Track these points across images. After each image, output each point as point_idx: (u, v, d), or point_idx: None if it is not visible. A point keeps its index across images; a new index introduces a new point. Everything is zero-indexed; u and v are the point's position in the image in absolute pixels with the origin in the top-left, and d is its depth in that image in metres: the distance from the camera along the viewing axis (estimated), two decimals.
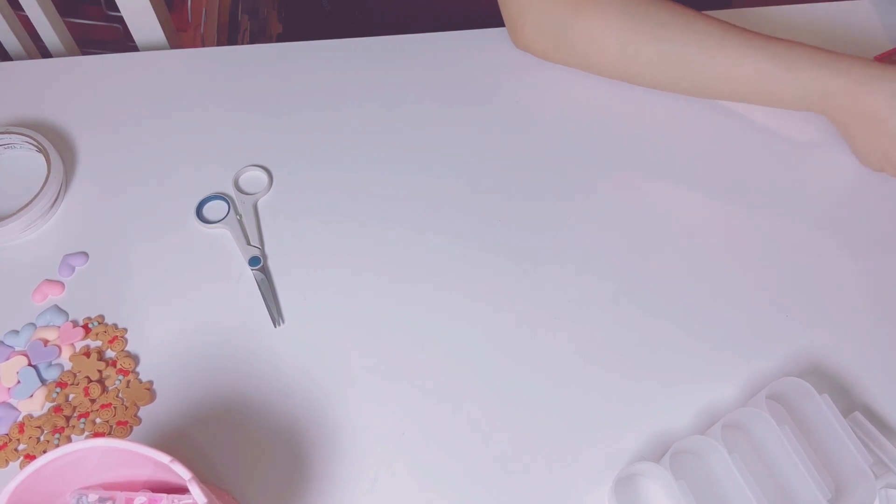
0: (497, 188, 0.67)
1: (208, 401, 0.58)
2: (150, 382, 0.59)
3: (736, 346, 0.59)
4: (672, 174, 0.67)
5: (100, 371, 0.59)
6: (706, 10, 0.68)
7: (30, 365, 0.60)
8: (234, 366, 0.59)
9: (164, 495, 0.46)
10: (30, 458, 0.56)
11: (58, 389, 0.58)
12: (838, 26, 0.75)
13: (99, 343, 0.60)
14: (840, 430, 0.52)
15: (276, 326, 0.61)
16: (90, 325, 0.61)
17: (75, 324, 0.61)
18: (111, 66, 0.76)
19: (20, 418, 0.58)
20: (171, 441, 0.57)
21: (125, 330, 0.61)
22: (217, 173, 0.68)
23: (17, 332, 0.61)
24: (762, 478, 0.53)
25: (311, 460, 0.56)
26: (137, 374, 0.59)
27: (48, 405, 0.58)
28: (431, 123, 0.71)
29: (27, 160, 0.69)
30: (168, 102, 0.73)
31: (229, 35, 1.12)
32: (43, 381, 0.59)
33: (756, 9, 0.76)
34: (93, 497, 0.46)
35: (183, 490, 0.44)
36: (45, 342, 0.60)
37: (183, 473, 0.42)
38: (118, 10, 0.80)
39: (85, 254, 0.65)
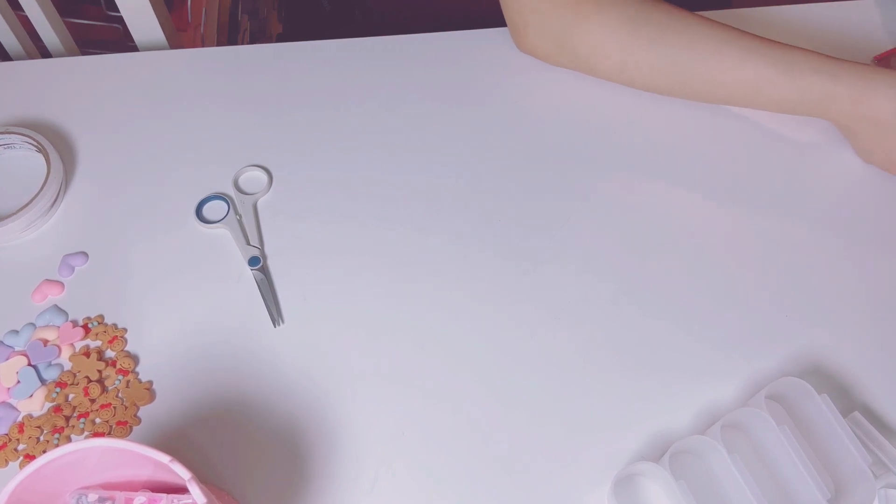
0: (497, 188, 0.67)
1: (208, 401, 0.58)
2: (150, 382, 0.59)
3: (736, 346, 0.59)
4: (672, 174, 0.67)
5: (99, 371, 0.59)
6: (706, 10, 0.68)
7: (29, 365, 0.60)
8: (233, 366, 0.59)
9: (164, 495, 0.46)
10: (29, 458, 0.56)
11: (57, 389, 0.58)
12: (838, 26, 0.75)
13: (99, 343, 0.60)
14: (839, 430, 0.52)
15: (275, 326, 0.61)
16: (90, 325, 0.61)
17: (75, 324, 0.61)
18: (111, 66, 0.76)
19: (20, 418, 0.58)
20: (171, 441, 0.57)
21: (125, 330, 0.61)
22: (217, 173, 0.68)
23: (16, 332, 0.61)
24: (762, 478, 0.53)
25: (311, 460, 0.56)
26: (137, 374, 0.59)
27: (48, 405, 0.58)
28: (431, 123, 0.71)
29: (27, 160, 0.69)
30: (168, 102, 0.73)
31: (229, 35, 1.12)
32: (42, 381, 0.59)
33: (756, 9, 0.75)
34: (92, 497, 0.46)
35: (183, 490, 0.44)
36: (45, 342, 0.60)
37: (182, 473, 0.42)
38: (118, 10, 0.80)
39: (85, 254, 0.65)
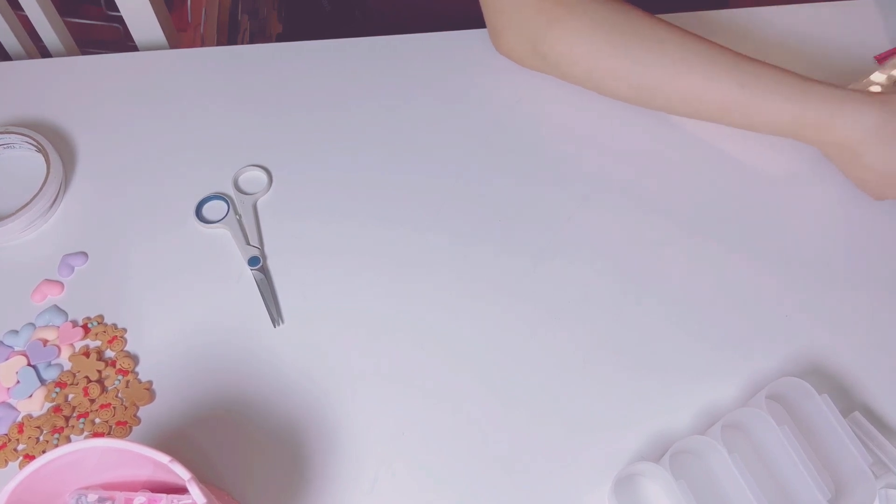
0: (497, 188, 0.67)
1: (208, 401, 0.58)
2: (150, 382, 0.59)
3: (736, 346, 0.59)
4: (672, 174, 0.67)
5: (99, 371, 0.59)
6: (704, 10, 0.68)
7: (29, 365, 0.59)
8: (233, 366, 0.59)
9: (164, 495, 0.46)
10: (29, 458, 0.56)
11: (57, 389, 0.58)
12: (838, 26, 0.75)
13: (98, 343, 0.60)
14: (840, 430, 0.52)
15: (275, 326, 0.61)
16: (89, 325, 0.61)
17: (75, 324, 0.61)
18: (111, 66, 0.76)
19: (19, 418, 0.58)
20: (171, 441, 0.57)
21: (124, 330, 0.61)
22: (217, 173, 0.68)
23: (16, 332, 0.61)
24: (762, 478, 0.53)
25: (311, 460, 0.56)
26: (137, 374, 0.59)
27: (47, 405, 0.58)
28: (431, 123, 0.70)
29: (27, 160, 0.69)
30: (168, 102, 0.73)
31: (229, 35, 1.12)
32: (42, 381, 0.59)
33: (755, 9, 0.75)
34: (92, 497, 0.46)
35: (182, 490, 0.44)
36: (45, 342, 0.60)
37: (182, 473, 0.42)
38: (118, 10, 0.80)
39: (84, 254, 0.65)
